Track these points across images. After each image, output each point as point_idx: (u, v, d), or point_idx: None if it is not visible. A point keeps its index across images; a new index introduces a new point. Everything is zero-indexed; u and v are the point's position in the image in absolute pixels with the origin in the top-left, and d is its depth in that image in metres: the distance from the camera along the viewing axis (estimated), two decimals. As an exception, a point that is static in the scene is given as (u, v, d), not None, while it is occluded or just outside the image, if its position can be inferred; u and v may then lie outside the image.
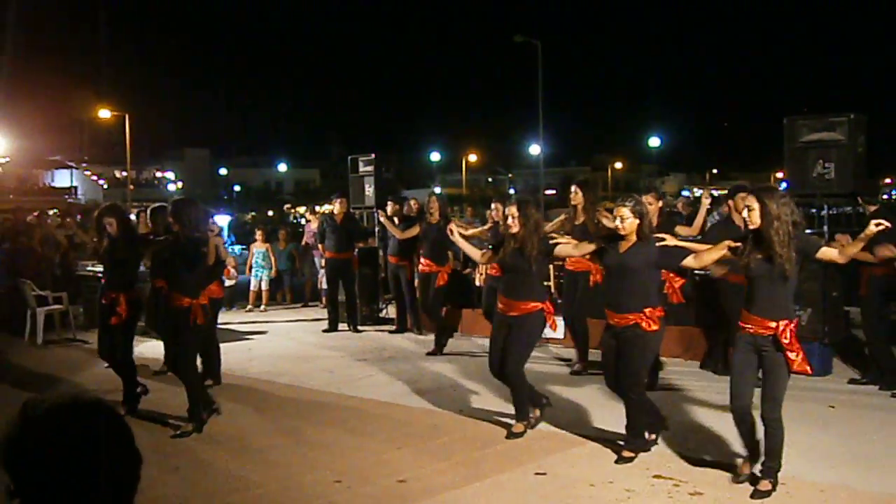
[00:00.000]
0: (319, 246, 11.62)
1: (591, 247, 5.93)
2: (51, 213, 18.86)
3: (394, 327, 11.31)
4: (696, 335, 8.62)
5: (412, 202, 12.25)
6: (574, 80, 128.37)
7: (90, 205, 28.82)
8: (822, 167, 8.38)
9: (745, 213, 5.00)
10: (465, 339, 10.42)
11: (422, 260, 9.80)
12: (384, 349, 10.07)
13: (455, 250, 11.62)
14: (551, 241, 6.20)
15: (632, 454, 5.60)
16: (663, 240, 5.54)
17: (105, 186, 55.98)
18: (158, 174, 66.54)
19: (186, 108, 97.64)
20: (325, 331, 11.24)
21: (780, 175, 37.39)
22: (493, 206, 9.04)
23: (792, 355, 4.84)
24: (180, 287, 6.58)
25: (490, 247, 6.86)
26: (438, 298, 9.88)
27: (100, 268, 11.18)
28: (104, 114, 41.85)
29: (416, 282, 10.58)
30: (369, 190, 12.02)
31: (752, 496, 4.87)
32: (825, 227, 8.92)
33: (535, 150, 50.03)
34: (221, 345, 8.43)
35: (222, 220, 17.57)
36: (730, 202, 7.75)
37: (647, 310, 5.47)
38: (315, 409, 7.26)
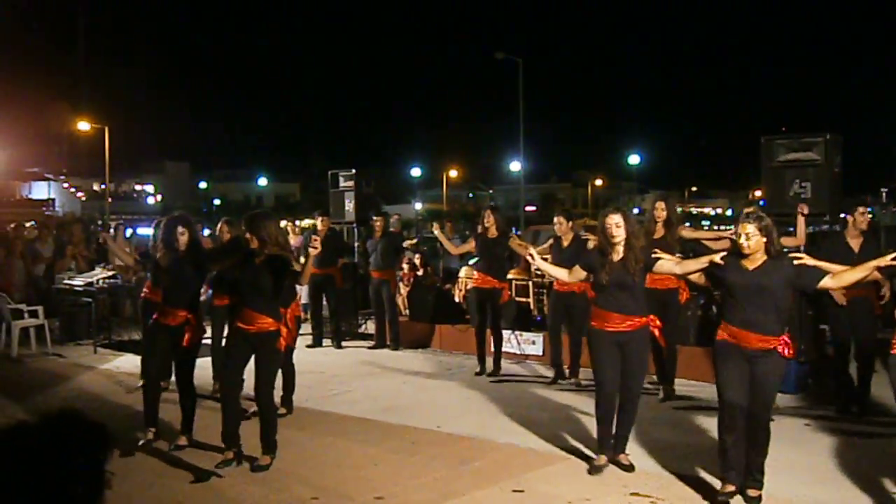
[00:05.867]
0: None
1: (696, 266, 5.37)
2: (27, 224, 18.68)
3: (372, 343, 11.31)
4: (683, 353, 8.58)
5: (392, 218, 12.29)
6: (555, 98, 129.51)
7: (68, 217, 28.60)
8: (798, 186, 8.46)
9: None
10: (445, 356, 10.40)
11: (476, 275, 9.33)
12: (363, 365, 10.04)
13: (457, 264, 11.43)
14: (653, 255, 5.64)
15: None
16: (800, 258, 5.00)
17: (83, 199, 55.67)
18: (138, 187, 66.31)
19: (167, 121, 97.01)
20: (309, 346, 11.19)
21: (758, 193, 37.72)
22: (555, 220, 8.65)
23: None
24: (262, 308, 5.86)
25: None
26: (501, 316, 9.35)
27: (77, 281, 11.14)
28: (83, 126, 41.59)
29: (464, 300, 10.01)
30: (349, 205, 12.03)
31: None
32: (801, 247, 8.98)
33: (515, 166, 50.29)
34: (201, 359, 8.34)
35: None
36: (849, 217, 7.49)
37: (786, 335, 4.99)
38: (292, 425, 7.22)
